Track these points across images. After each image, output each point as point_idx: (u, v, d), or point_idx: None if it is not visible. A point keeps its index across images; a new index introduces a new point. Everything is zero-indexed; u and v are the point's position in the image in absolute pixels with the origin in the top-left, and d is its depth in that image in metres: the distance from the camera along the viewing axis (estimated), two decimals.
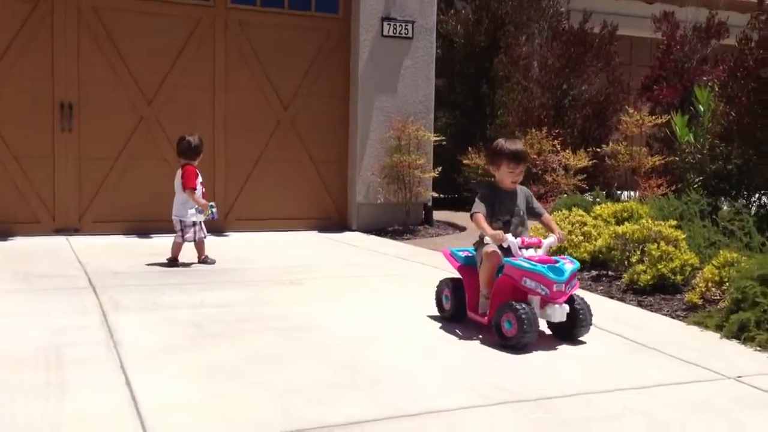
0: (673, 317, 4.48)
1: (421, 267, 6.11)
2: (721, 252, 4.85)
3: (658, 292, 4.99)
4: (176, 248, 5.93)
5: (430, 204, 9.10)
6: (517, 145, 4.02)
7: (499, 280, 3.79)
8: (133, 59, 7.73)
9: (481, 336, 3.89)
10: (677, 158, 7.91)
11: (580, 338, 3.85)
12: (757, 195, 6.70)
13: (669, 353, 3.68)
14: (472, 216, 3.91)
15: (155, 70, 7.83)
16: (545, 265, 3.69)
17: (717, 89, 7.17)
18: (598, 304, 4.79)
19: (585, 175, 9.33)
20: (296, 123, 8.52)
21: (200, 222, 5.93)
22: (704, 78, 8.66)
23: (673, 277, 5.01)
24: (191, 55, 7.97)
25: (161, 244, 6.96)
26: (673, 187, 8.01)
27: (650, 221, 5.58)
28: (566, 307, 3.71)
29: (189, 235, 5.86)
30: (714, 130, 7.02)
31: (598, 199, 7.78)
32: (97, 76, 7.60)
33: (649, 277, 5.01)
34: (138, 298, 4.68)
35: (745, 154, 6.53)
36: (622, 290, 5.18)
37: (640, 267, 5.12)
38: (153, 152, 7.84)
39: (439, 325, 4.19)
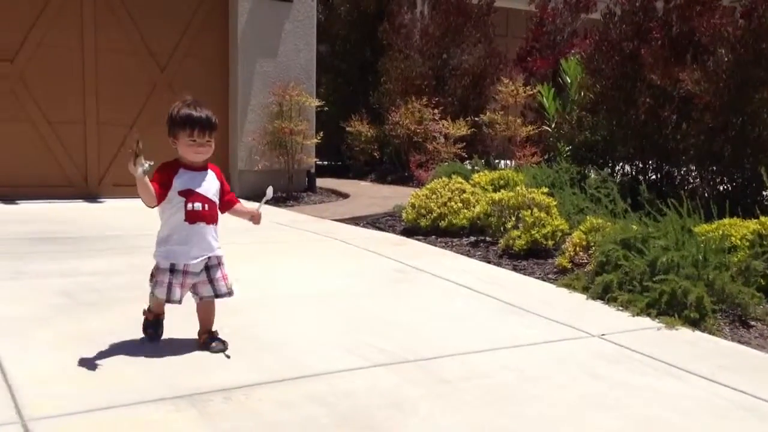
0: (544, 280, 4.72)
1: (303, 233, 6.11)
2: (588, 218, 5.13)
3: (532, 256, 5.23)
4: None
5: (313, 171, 9.08)
6: None
7: None
8: None
9: None
10: (549, 128, 8.27)
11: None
12: (620, 164, 7.11)
13: (539, 314, 3.88)
14: None
15: (14, 27, 7.34)
16: None
17: (584, 62, 7.51)
18: (475, 268, 4.99)
19: (464, 144, 9.57)
20: (174, 86, 8.22)
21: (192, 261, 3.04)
22: (573, 51, 9.06)
23: (545, 242, 5.26)
24: (55, 11, 7.52)
25: (28, 210, 6.62)
26: (546, 156, 8.37)
27: (524, 189, 5.81)
28: None
29: (161, 289, 2.98)
30: (582, 102, 7.36)
31: (476, 167, 8.03)
32: None
33: (523, 242, 5.24)
34: (4, 266, 4.42)
35: (609, 125, 6.89)
36: (498, 255, 5.39)
37: (515, 233, 5.34)
38: (16, 113, 7.37)
39: (323, 291, 4.21)
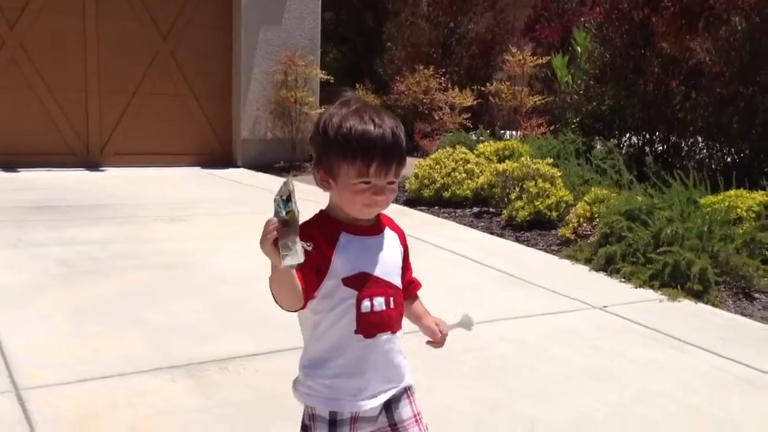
0: (547, 251, 4.68)
1: (306, 204, 6.05)
2: (593, 189, 5.07)
3: (535, 227, 5.18)
4: None
5: None
6: None
7: None
8: None
9: None
10: (556, 98, 8.16)
11: None
12: (627, 135, 7.03)
13: (541, 285, 3.85)
14: None
15: None
16: None
17: (593, 31, 7.39)
18: (477, 239, 4.95)
19: (470, 114, 9.47)
20: (176, 54, 8.14)
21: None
22: (582, 19, 8.91)
23: (549, 213, 5.21)
24: None
25: (29, 179, 6.60)
26: (552, 127, 8.28)
27: (529, 159, 5.75)
28: None
29: None
30: (590, 71, 7.26)
31: (481, 138, 7.95)
32: None
33: (526, 213, 5.19)
34: (3, 234, 4.40)
35: (617, 95, 6.80)
36: (501, 226, 5.35)
37: (519, 203, 5.29)
38: (17, 80, 7.32)
39: None
